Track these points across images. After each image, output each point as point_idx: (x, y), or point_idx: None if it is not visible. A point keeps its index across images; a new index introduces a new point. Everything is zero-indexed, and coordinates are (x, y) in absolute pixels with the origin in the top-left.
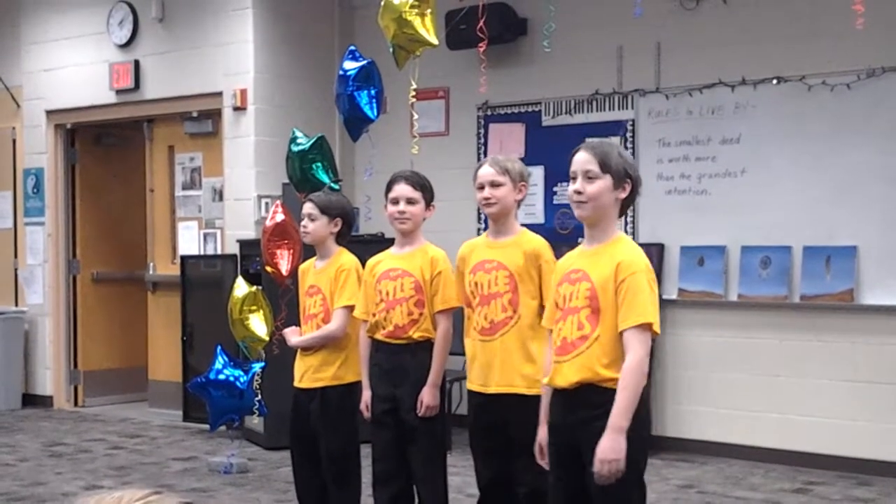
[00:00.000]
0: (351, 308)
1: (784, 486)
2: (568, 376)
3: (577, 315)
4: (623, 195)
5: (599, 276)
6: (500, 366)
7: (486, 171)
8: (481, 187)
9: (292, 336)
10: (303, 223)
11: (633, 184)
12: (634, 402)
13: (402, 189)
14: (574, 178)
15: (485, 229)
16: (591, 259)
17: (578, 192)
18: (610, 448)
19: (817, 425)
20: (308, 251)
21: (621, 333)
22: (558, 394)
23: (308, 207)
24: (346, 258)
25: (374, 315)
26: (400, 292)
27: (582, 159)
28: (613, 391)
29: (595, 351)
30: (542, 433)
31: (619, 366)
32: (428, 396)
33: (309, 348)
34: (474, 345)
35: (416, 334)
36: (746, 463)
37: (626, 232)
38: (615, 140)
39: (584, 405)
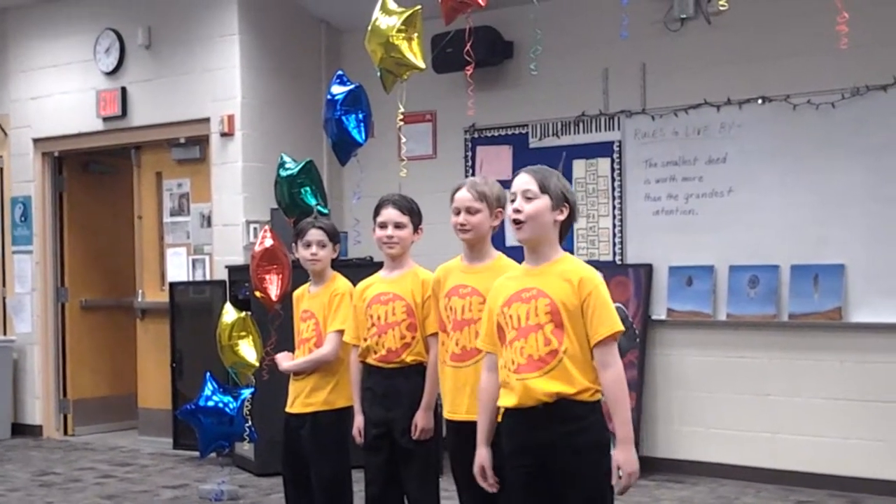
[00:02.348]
0: (343, 333)
1: None
2: (543, 390)
3: (542, 331)
4: (561, 217)
5: (557, 291)
6: (471, 392)
7: (463, 196)
8: (457, 212)
9: (284, 361)
10: (312, 251)
11: (571, 208)
12: (629, 410)
13: (389, 213)
14: (513, 200)
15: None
16: (540, 278)
17: (517, 211)
18: (631, 460)
19: (808, 444)
20: (298, 276)
21: (594, 345)
22: (523, 413)
23: (318, 234)
24: (341, 283)
25: (365, 340)
26: (392, 316)
27: (522, 181)
28: (589, 405)
29: (567, 364)
30: (484, 455)
31: (590, 377)
32: (422, 420)
33: (300, 373)
34: (447, 371)
35: (408, 358)
36: (738, 483)
37: (613, 252)
38: (604, 164)
39: (560, 421)
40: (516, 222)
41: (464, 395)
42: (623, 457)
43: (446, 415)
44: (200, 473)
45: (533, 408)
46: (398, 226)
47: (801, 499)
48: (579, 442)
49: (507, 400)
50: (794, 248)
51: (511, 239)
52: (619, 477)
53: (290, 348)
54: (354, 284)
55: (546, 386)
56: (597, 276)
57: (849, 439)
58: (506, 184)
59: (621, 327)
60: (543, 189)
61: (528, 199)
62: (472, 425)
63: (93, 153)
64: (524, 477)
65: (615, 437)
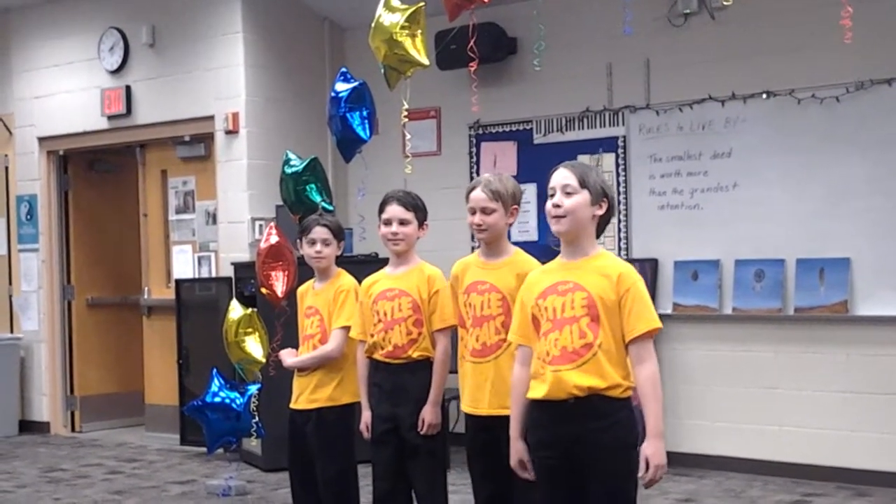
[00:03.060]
0: (348, 328)
1: (783, 498)
2: (576, 383)
3: (577, 324)
4: (600, 212)
5: (595, 286)
6: (491, 388)
7: (478, 196)
8: (473, 212)
9: (288, 357)
10: (316, 248)
11: (610, 203)
12: (661, 406)
13: (394, 210)
14: (552, 195)
15: (478, 247)
16: (577, 271)
17: (557, 206)
18: (660, 453)
19: (815, 437)
20: (303, 273)
21: (630, 341)
22: (552, 405)
23: (323, 232)
24: (346, 279)
25: (372, 336)
26: (398, 312)
27: (561, 175)
28: (619, 402)
29: (602, 358)
30: (520, 448)
31: (622, 373)
32: (429, 415)
33: (305, 369)
34: (466, 366)
35: (415, 354)
36: (745, 476)
37: (619, 248)
38: (608, 159)
39: (589, 416)
40: (556, 217)
41: (484, 390)
42: (651, 450)
43: (466, 409)
44: (208, 469)
45: (563, 401)
46: (403, 222)
47: (808, 491)
48: (606, 438)
49: (538, 391)
50: (799, 242)
51: (516, 234)
52: (647, 469)
53: (297, 344)
54: (360, 281)
55: (579, 379)
56: (635, 273)
57: (855, 432)
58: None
59: (659, 324)
60: (583, 184)
61: (568, 193)
62: (491, 420)
63: (98, 151)
64: (548, 469)
65: (645, 431)
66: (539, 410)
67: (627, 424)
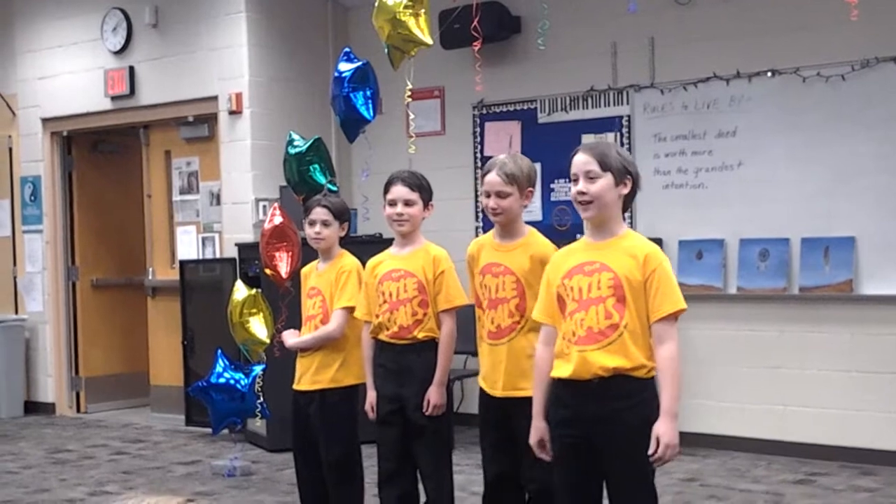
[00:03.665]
0: (350, 309)
1: (787, 477)
2: (601, 363)
3: (603, 304)
4: (625, 191)
5: (622, 266)
6: (505, 369)
7: (493, 180)
8: (488, 195)
9: (290, 338)
10: (316, 229)
11: (634, 179)
12: (680, 387)
13: (399, 191)
14: (576, 180)
15: (483, 228)
16: (604, 252)
17: (582, 193)
18: (671, 433)
19: (819, 416)
20: (307, 254)
21: (655, 321)
22: (576, 385)
23: (323, 213)
24: (348, 260)
25: (377, 316)
26: (403, 293)
27: (581, 160)
28: (644, 382)
29: (627, 339)
30: (542, 428)
31: (648, 353)
32: (435, 395)
33: (307, 350)
34: (484, 347)
35: (420, 334)
36: (749, 455)
37: None
38: (611, 138)
39: (612, 396)
40: (582, 203)
41: (499, 372)
42: (663, 428)
43: (485, 387)
44: (213, 450)
45: (587, 381)
46: (408, 203)
47: (812, 471)
48: (628, 418)
49: (562, 370)
50: (804, 221)
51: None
52: (657, 447)
53: (301, 325)
54: (364, 262)
55: (604, 360)
56: (661, 254)
57: (860, 411)
58: None
59: (684, 305)
60: (605, 166)
61: (591, 178)
62: (504, 402)
63: (101, 132)
64: (568, 447)
65: (662, 408)
66: (562, 389)
67: (650, 405)
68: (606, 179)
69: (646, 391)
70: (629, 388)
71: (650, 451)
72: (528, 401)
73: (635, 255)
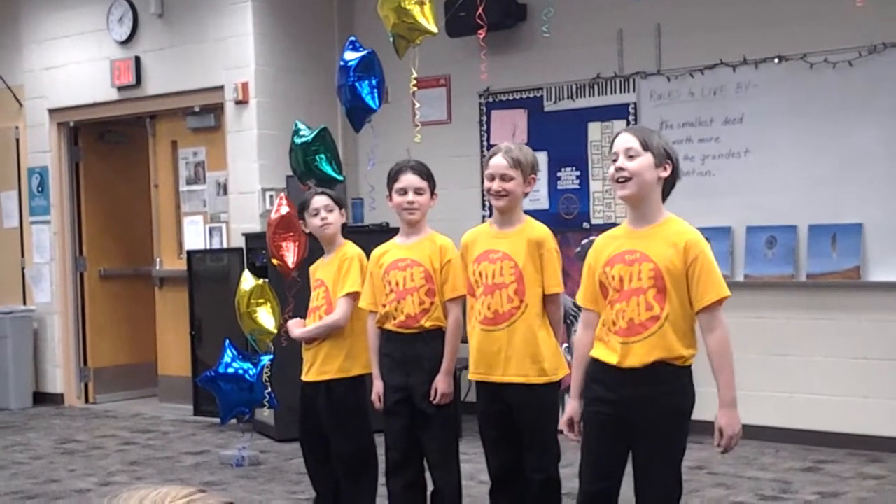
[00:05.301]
0: (354, 295)
1: (795, 465)
2: (641, 356)
3: (644, 296)
4: (664, 174)
5: (662, 256)
6: (505, 355)
7: (499, 163)
8: (492, 178)
9: (295, 329)
10: (321, 216)
11: (674, 165)
12: (734, 373)
13: (409, 179)
14: (615, 160)
15: (489, 216)
16: (645, 240)
17: (620, 169)
18: (734, 422)
19: (827, 403)
20: (314, 244)
21: (700, 311)
22: (614, 369)
23: (324, 200)
24: (350, 248)
25: (383, 306)
26: (410, 282)
27: (623, 139)
28: (683, 369)
29: (668, 330)
30: (575, 407)
31: (689, 342)
32: (442, 384)
33: (313, 340)
34: (477, 334)
35: (427, 323)
36: (756, 443)
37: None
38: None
39: (653, 382)
40: (619, 180)
41: (498, 357)
42: (725, 420)
43: (475, 377)
44: (221, 439)
45: (630, 367)
46: (418, 191)
47: (820, 458)
48: (663, 403)
49: (602, 354)
50: (811, 208)
51: (527, 202)
52: (721, 437)
53: (307, 315)
54: (371, 250)
55: (645, 352)
56: (702, 241)
57: (868, 398)
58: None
59: (728, 292)
60: (646, 146)
61: (631, 156)
62: (504, 388)
63: (108, 123)
64: (600, 424)
65: (720, 398)
66: (600, 369)
67: (685, 392)
68: (646, 158)
69: (682, 379)
70: (666, 375)
71: (715, 443)
72: (529, 388)
73: (675, 243)
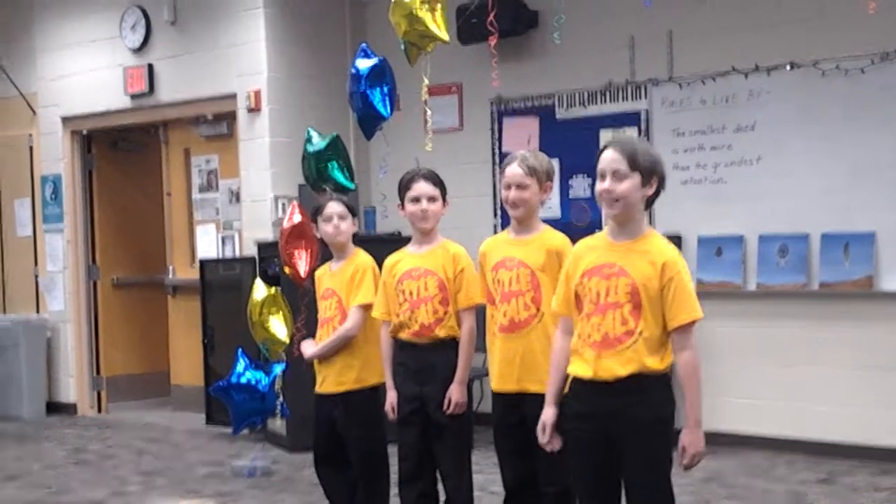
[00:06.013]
0: (367, 307)
1: (808, 476)
2: (614, 370)
3: (620, 310)
4: (650, 192)
5: (640, 273)
6: (520, 364)
7: (514, 172)
8: (508, 187)
9: (308, 349)
10: (334, 223)
11: (660, 181)
12: (701, 394)
13: (422, 187)
14: (602, 177)
15: (501, 224)
16: (624, 255)
17: (608, 192)
18: (697, 442)
19: (840, 414)
20: (326, 252)
21: (671, 331)
22: (593, 383)
23: (338, 207)
24: (363, 257)
25: (397, 315)
26: (424, 291)
27: (610, 157)
28: (655, 380)
29: (642, 345)
30: (550, 413)
31: (662, 357)
32: (456, 394)
33: (328, 356)
34: (495, 342)
35: (441, 332)
36: (769, 454)
37: None
38: (635, 134)
39: (629, 393)
40: (608, 202)
41: (514, 366)
42: (689, 439)
43: (495, 387)
44: (234, 449)
45: (604, 381)
46: (431, 199)
47: (833, 469)
48: (642, 414)
49: (579, 369)
50: (824, 217)
51: (539, 211)
52: (684, 456)
53: (317, 326)
54: (383, 259)
55: (619, 365)
56: (681, 260)
57: (880, 408)
58: None
59: (700, 314)
60: (633, 166)
61: (619, 178)
62: (519, 398)
63: (121, 130)
64: (582, 441)
65: (686, 417)
66: (579, 385)
67: (664, 400)
68: (634, 180)
69: (658, 387)
70: (643, 385)
71: (678, 461)
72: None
73: (654, 261)
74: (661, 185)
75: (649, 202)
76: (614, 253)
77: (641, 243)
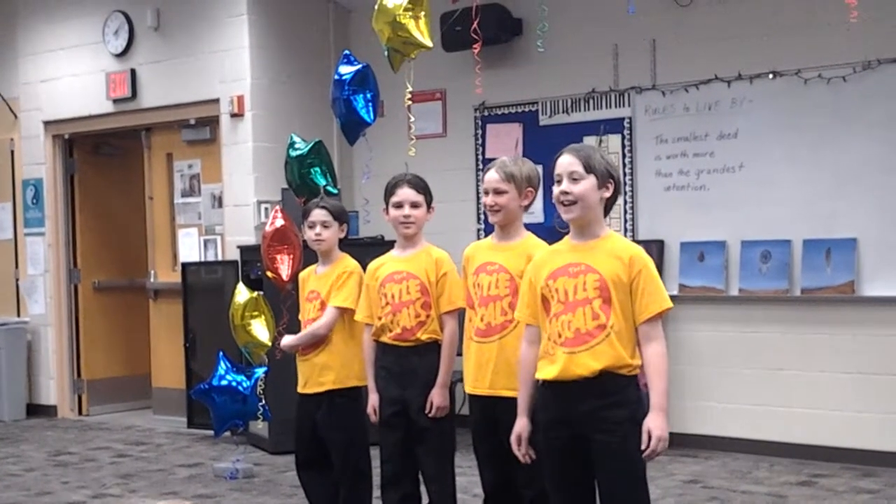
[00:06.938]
0: (344, 310)
1: (789, 479)
2: (589, 365)
3: (590, 305)
4: (607, 194)
5: (607, 268)
6: (493, 368)
7: (491, 177)
8: (486, 192)
9: (285, 339)
10: (316, 231)
11: (616, 184)
12: (667, 383)
13: (406, 193)
14: (559, 181)
15: (484, 230)
16: (589, 253)
17: (565, 193)
18: (662, 426)
19: (821, 418)
20: (308, 256)
21: (642, 323)
22: (562, 385)
23: (322, 215)
24: (349, 262)
25: (379, 318)
26: (406, 295)
27: (566, 162)
28: (628, 379)
29: (614, 339)
30: (523, 424)
31: (631, 352)
32: (438, 397)
33: (307, 352)
34: (471, 346)
35: (423, 336)
36: (751, 457)
37: (625, 229)
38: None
39: (597, 394)
40: (564, 204)
41: (486, 370)
42: (654, 423)
43: (469, 390)
44: (215, 452)
45: (573, 381)
46: (414, 205)
47: (815, 472)
48: (615, 415)
49: (547, 372)
50: (806, 223)
51: (523, 217)
52: (649, 441)
53: (299, 329)
54: (366, 263)
55: (591, 361)
56: (645, 255)
57: (862, 413)
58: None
59: (670, 304)
60: (588, 169)
61: (575, 180)
62: (494, 401)
63: (103, 135)
64: (559, 449)
65: (652, 405)
66: (548, 391)
67: (634, 401)
68: (589, 182)
69: (629, 389)
70: (613, 386)
71: (642, 447)
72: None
73: (620, 256)
74: (616, 189)
75: (607, 207)
76: (579, 253)
77: (604, 242)
